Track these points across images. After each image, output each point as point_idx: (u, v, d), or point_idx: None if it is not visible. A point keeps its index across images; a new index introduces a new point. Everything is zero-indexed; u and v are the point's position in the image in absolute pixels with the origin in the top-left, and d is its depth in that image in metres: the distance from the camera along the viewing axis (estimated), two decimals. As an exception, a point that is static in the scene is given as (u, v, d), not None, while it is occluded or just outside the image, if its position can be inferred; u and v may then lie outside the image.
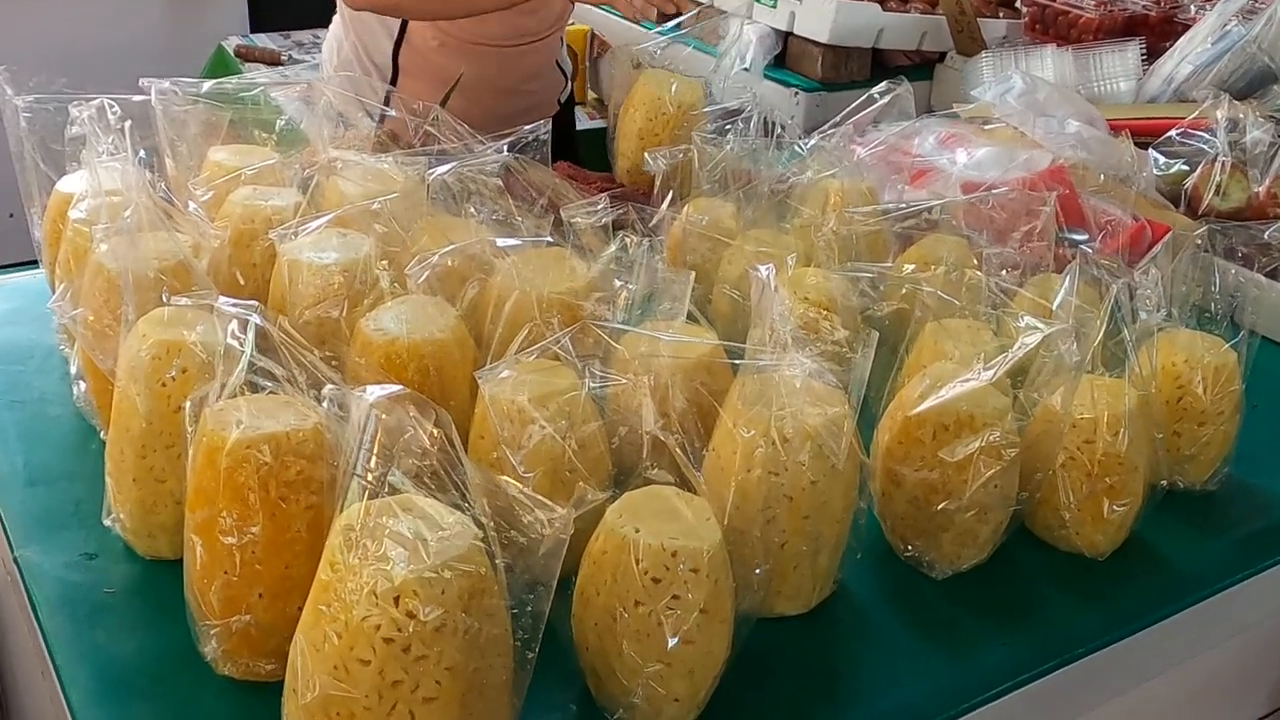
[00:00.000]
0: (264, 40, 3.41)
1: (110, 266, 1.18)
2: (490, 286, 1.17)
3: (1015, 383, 1.18)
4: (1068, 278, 1.16)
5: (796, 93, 2.69)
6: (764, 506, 1.05)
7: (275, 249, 1.31)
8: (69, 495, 1.22)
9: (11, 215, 3.63)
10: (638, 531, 0.95)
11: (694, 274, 1.15)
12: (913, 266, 1.27)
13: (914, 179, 1.79)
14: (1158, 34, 2.71)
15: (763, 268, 1.16)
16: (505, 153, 1.40)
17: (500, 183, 1.30)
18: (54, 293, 1.49)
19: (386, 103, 1.53)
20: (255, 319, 0.97)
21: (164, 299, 1.13)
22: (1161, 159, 1.81)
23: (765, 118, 1.54)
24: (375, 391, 0.87)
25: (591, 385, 1.03)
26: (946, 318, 1.29)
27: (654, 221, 1.53)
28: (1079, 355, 1.10)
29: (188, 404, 1.02)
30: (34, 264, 1.58)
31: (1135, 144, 1.97)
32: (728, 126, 1.55)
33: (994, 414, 1.13)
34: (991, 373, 1.11)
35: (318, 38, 3.50)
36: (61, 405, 1.36)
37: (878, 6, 2.67)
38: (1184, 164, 1.81)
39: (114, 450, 1.12)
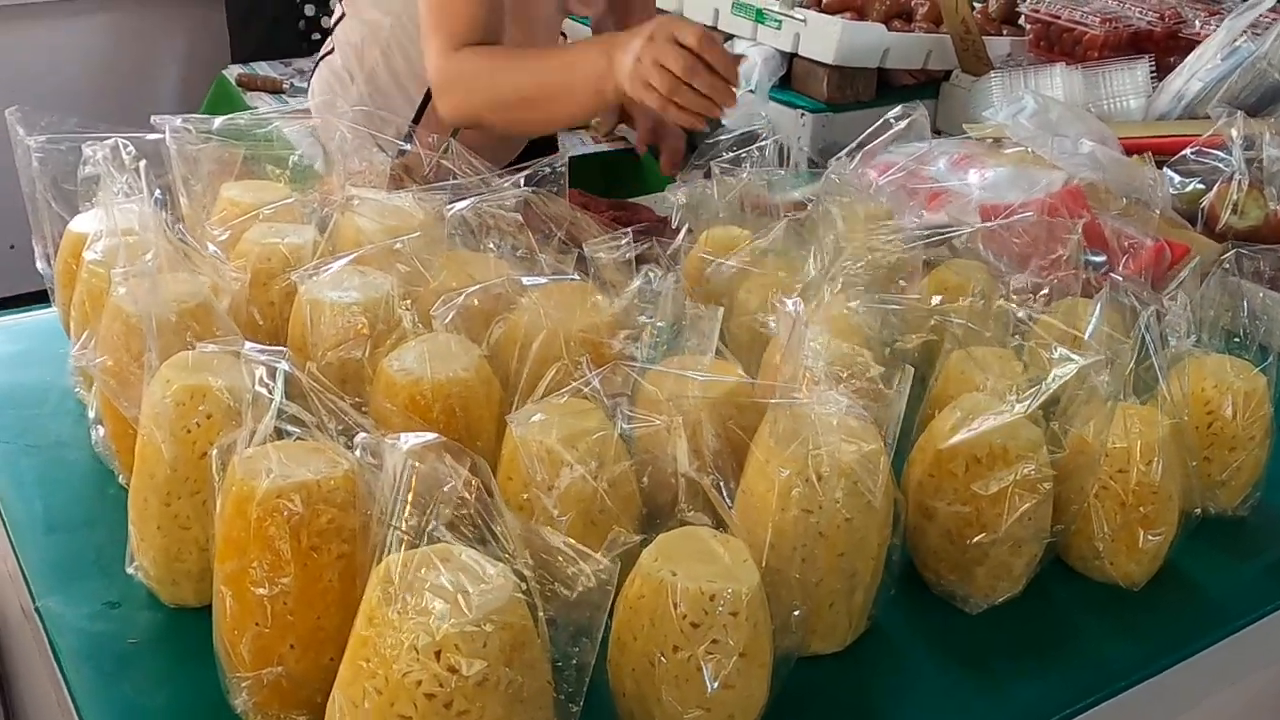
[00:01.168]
0: (265, 69, 3.40)
1: (130, 310, 1.17)
2: (515, 325, 1.16)
3: (1046, 413, 1.16)
4: (1098, 305, 1.15)
5: (803, 114, 2.69)
6: (799, 545, 1.04)
7: (294, 287, 1.30)
8: (89, 542, 1.20)
9: (13, 246, 3.63)
10: (674, 575, 0.94)
11: (722, 310, 1.14)
12: (940, 298, 1.25)
13: (929, 202, 1.78)
14: (1163, 49, 2.72)
15: (789, 300, 1.15)
16: (523, 187, 1.39)
17: (520, 217, 1.29)
18: (67, 333, 1.49)
19: (404, 137, 1.52)
20: (284, 366, 0.95)
21: (189, 343, 1.12)
22: (1177, 178, 1.81)
23: (781, 144, 1.52)
24: (410, 440, 0.86)
25: (624, 427, 1.01)
26: (974, 347, 1.28)
27: (670, 251, 1.53)
28: (1113, 386, 1.09)
29: (214, 451, 1.00)
30: (44, 302, 1.57)
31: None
32: (744, 154, 1.53)
33: (1027, 446, 1.12)
34: (1025, 405, 1.10)
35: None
36: (79, 449, 1.34)
37: (883, 27, 2.67)
38: (1200, 183, 1.80)
39: (137, 497, 1.10)
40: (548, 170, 1.43)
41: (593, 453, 1.06)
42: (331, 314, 1.20)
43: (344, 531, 0.95)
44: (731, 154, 1.64)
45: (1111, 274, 1.17)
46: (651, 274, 1.19)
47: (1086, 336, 1.13)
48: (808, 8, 2.72)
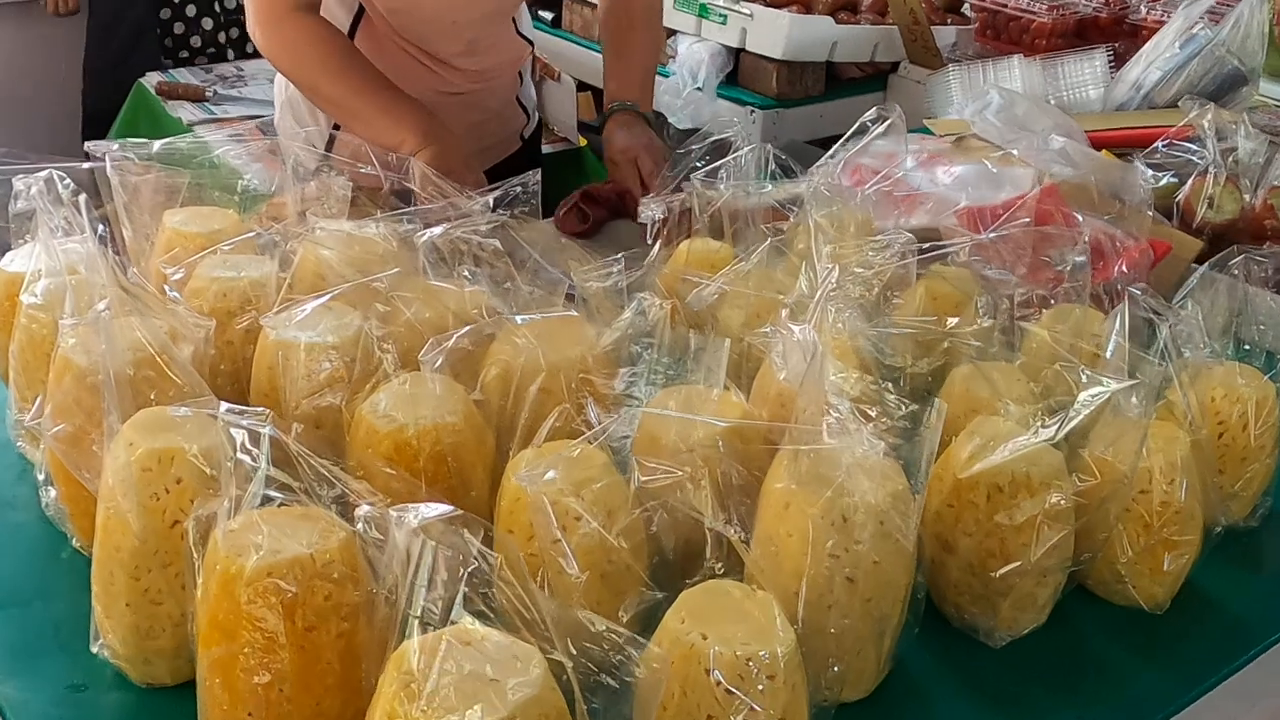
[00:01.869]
0: (185, 75, 3.26)
1: (82, 363, 1.07)
2: (510, 366, 1.08)
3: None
4: (1116, 320, 1.10)
5: (753, 110, 2.63)
6: (827, 593, 0.97)
7: (255, 326, 1.21)
8: (46, 617, 1.11)
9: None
10: (705, 639, 0.87)
11: (729, 341, 1.07)
12: (955, 320, 1.20)
13: (902, 203, 1.73)
14: (1108, 35, 2.71)
15: (798, 328, 1.09)
16: (494, 209, 1.31)
17: (498, 244, 1.21)
18: (1, 380, 1.38)
19: (356, 157, 1.42)
20: (268, 430, 0.87)
21: (150, 399, 1.03)
22: (1149, 172, 1.77)
23: (766, 152, 1.46)
24: (421, 513, 0.78)
25: (642, 479, 0.94)
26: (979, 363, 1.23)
27: (647, 262, 1.45)
28: (1141, 409, 1.04)
29: (190, 523, 0.91)
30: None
31: (1117, 155, 1.93)
32: (720, 165, 1.46)
33: (1051, 472, 1.07)
34: (1052, 431, 1.04)
35: (241, 70, 3.37)
36: (24, 510, 1.24)
37: (830, 20, 2.62)
38: (1173, 176, 1.77)
39: (101, 571, 1.01)
40: (519, 190, 1.34)
41: (601, 503, 0.99)
42: (305, 358, 1.11)
43: (343, 608, 0.87)
44: (704, 162, 1.57)
45: (1130, 289, 1.12)
46: (646, 304, 1.12)
47: (1108, 354, 1.08)
48: (753, 1, 2.66)
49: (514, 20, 2.03)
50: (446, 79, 1.93)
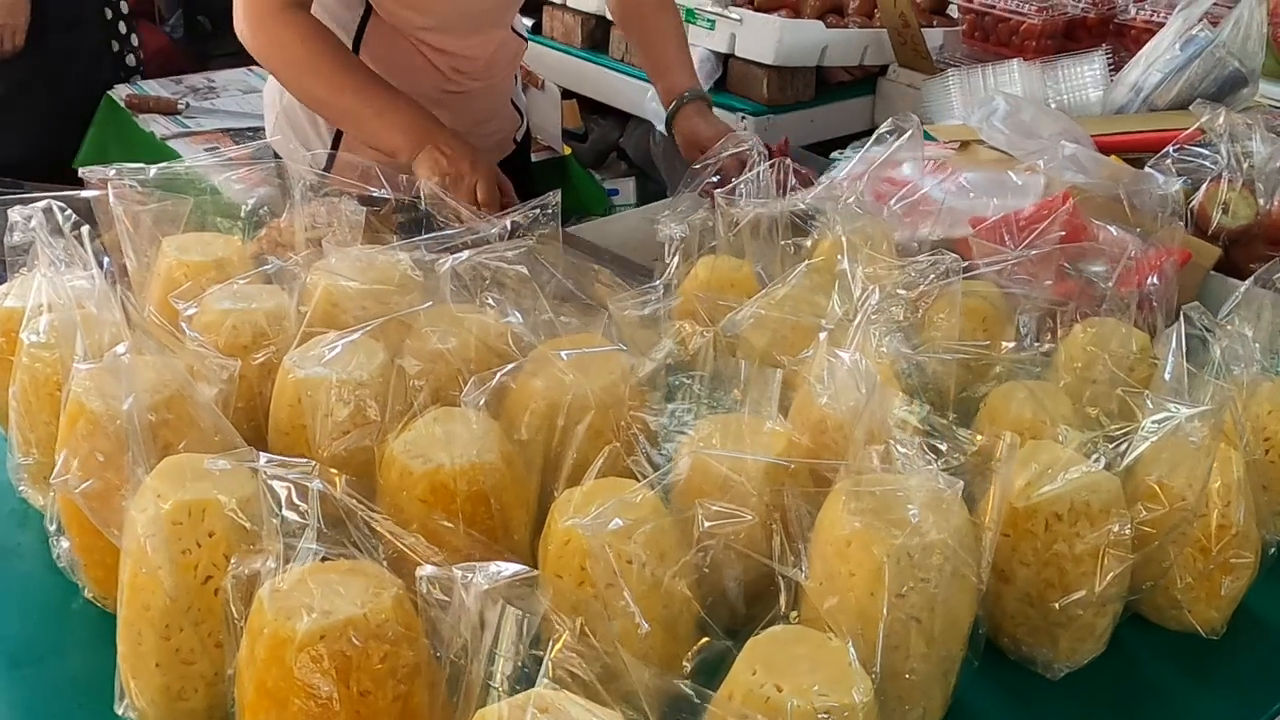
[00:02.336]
0: (155, 88, 3.17)
1: (97, 408, 1.01)
2: (555, 404, 1.03)
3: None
4: (1173, 341, 1.07)
5: (744, 117, 2.59)
6: (893, 633, 0.93)
7: (273, 361, 1.16)
8: (63, 675, 1.05)
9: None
10: (780, 691, 0.83)
11: (781, 373, 1.03)
12: (1011, 344, 1.16)
13: (911, 214, 1.70)
14: (1096, 36, 2.69)
15: (846, 354, 1.05)
16: (513, 232, 1.26)
17: (525, 270, 1.16)
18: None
19: (365, 179, 1.37)
20: (317, 484, 0.82)
21: (179, 447, 0.98)
22: (1160, 178, 1.75)
23: (786, 167, 1.42)
24: (490, 572, 0.74)
25: (707, 523, 0.90)
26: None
27: (664, 279, 1.41)
28: (1206, 434, 1.01)
29: (229, 581, 0.86)
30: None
31: (1124, 159, 1.91)
32: (739, 182, 1.42)
33: (1111, 500, 1.04)
34: (1112, 458, 1.01)
35: (212, 82, 3.29)
36: (30, 558, 1.18)
37: (820, 24, 2.58)
38: (1186, 181, 1.75)
39: (129, 632, 0.95)
40: (538, 213, 1.30)
41: (653, 545, 0.95)
42: (332, 397, 1.06)
43: (399, 670, 0.82)
44: (717, 178, 1.53)
45: (1185, 311, 1.09)
46: (685, 331, 1.08)
47: (1166, 376, 1.05)
48: (740, 4, 2.62)
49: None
50: (452, 77, 1.89)
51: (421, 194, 1.38)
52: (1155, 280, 1.38)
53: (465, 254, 1.17)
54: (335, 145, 1.95)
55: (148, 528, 0.92)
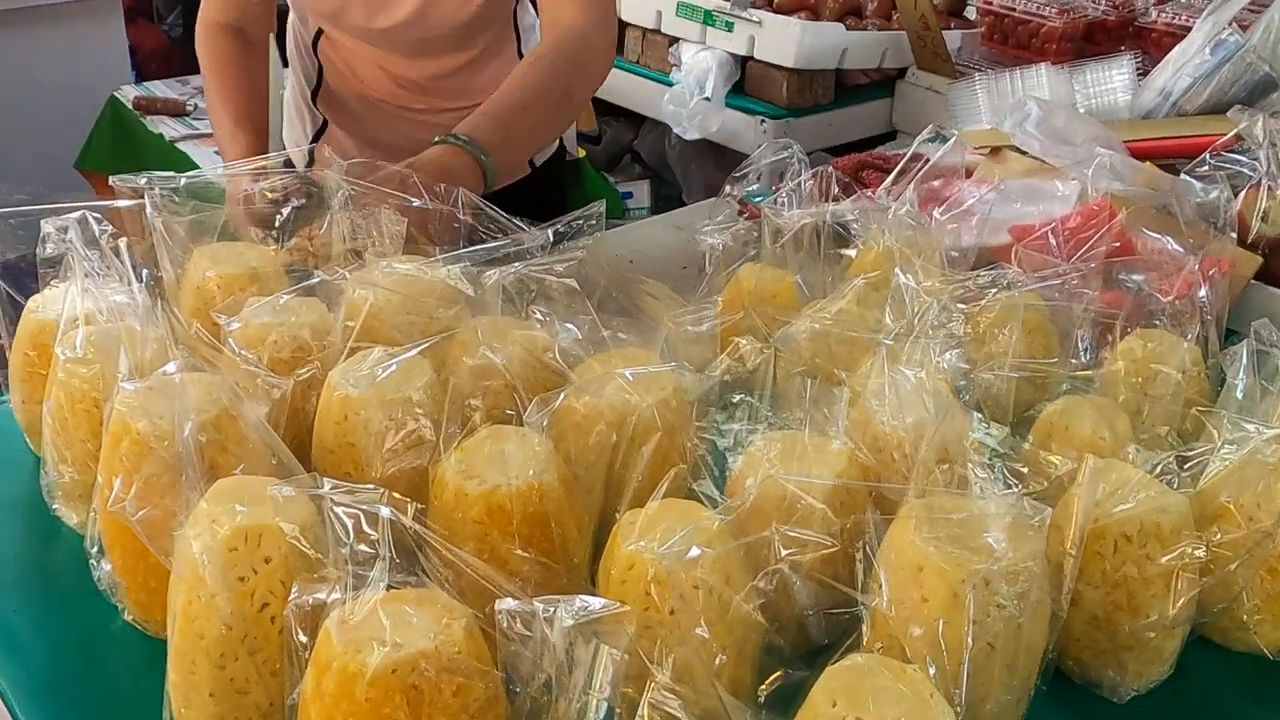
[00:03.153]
0: (163, 89, 3.14)
1: (144, 429, 0.98)
2: (619, 423, 1.00)
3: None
4: (1242, 358, 1.05)
5: (763, 120, 2.57)
6: (970, 661, 0.91)
7: (314, 376, 1.13)
8: (107, 703, 1.02)
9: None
10: (863, 723, 0.81)
11: (848, 392, 1.00)
12: (1076, 362, 1.14)
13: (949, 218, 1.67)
14: (1116, 39, 2.68)
15: (911, 372, 1.03)
16: (555, 243, 1.24)
17: (575, 284, 1.14)
18: (27, 435, 1.29)
19: (402, 187, 1.34)
20: (386, 513, 0.79)
21: (235, 471, 0.95)
22: (1198, 185, 1.72)
23: (824, 174, 1.39)
24: (576, 608, 0.71)
25: (784, 550, 0.87)
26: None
27: (701, 291, 1.39)
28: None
29: (290, 610, 0.84)
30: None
31: (1159, 166, 1.89)
32: (781, 192, 1.40)
33: (1182, 521, 1.01)
34: (1186, 478, 0.99)
35: (220, 81, 3.25)
36: (65, 578, 1.15)
37: (841, 26, 2.56)
38: (1223, 188, 1.72)
39: (181, 660, 0.92)
40: (582, 223, 1.27)
41: (719, 570, 0.92)
42: (384, 416, 1.03)
43: (472, 705, 0.80)
44: (757, 185, 1.50)
45: (1254, 325, 1.06)
46: (744, 347, 1.05)
47: (1238, 395, 1.03)
48: (759, 6, 2.59)
49: (518, 42, 1.93)
50: (413, 97, 1.88)
51: (461, 204, 1.35)
52: (1206, 291, 1.36)
53: (515, 266, 1.14)
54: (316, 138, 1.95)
55: (205, 554, 0.89)
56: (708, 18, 2.58)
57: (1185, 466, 0.98)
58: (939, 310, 1.11)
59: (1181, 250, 1.53)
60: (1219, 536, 1.01)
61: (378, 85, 1.87)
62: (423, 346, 1.03)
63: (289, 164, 1.94)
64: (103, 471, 1.04)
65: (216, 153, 2.80)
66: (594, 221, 1.28)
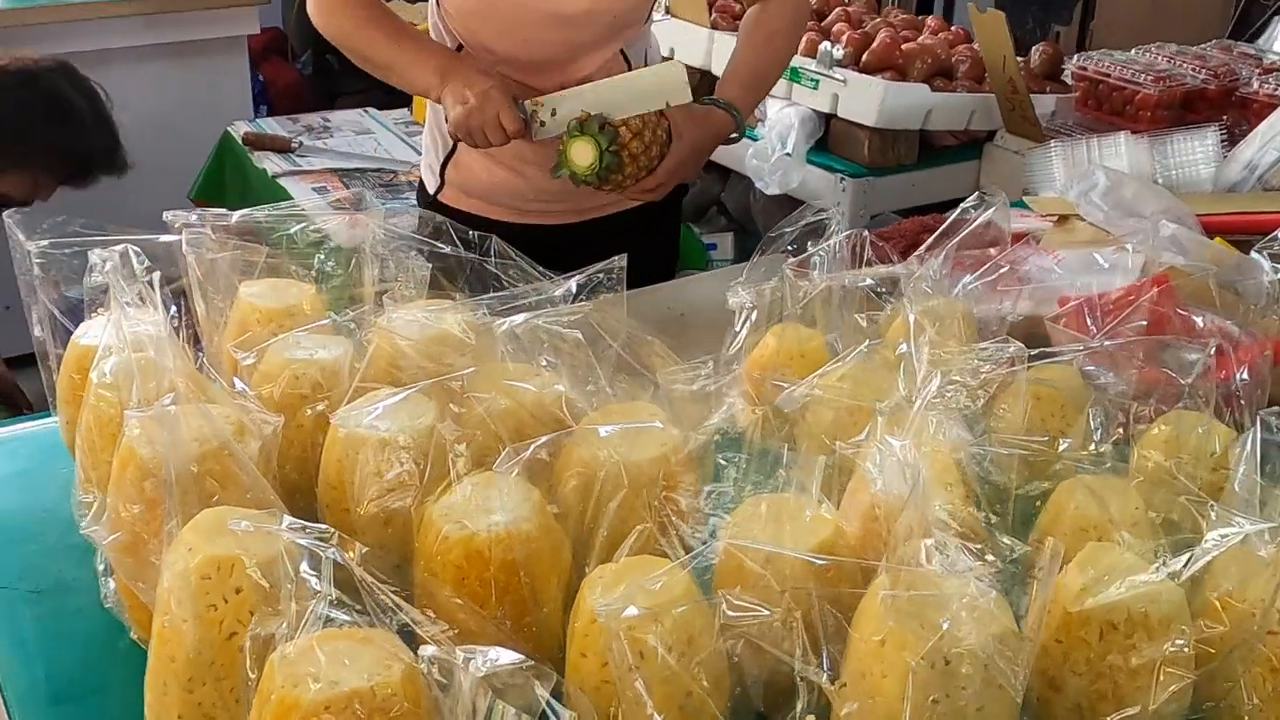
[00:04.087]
0: (273, 125, 3.27)
1: (145, 455, 1.03)
2: (590, 479, 1.01)
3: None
4: (1246, 446, 1.01)
5: (843, 178, 2.56)
6: (926, 741, 0.89)
7: (326, 412, 1.17)
8: (102, 715, 1.06)
9: (8, 308, 3.52)
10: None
11: (824, 459, 1.00)
12: (1068, 442, 1.11)
13: (998, 285, 1.64)
14: (1217, 108, 2.61)
15: (897, 443, 1.02)
16: (576, 297, 1.26)
17: (580, 336, 1.15)
18: (70, 451, 1.35)
19: (437, 235, 1.38)
20: (331, 554, 0.81)
21: (210, 496, 0.99)
22: (1267, 264, 1.67)
23: (858, 239, 1.39)
24: (489, 659, 0.72)
25: (730, 614, 0.87)
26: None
27: (732, 351, 1.39)
28: (1275, 548, 0.95)
29: (248, 641, 0.86)
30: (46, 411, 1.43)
31: (1231, 242, 1.83)
32: (814, 254, 1.40)
33: (1172, 612, 0.98)
34: (1174, 569, 0.96)
35: (327, 121, 3.38)
36: (84, 594, 1.20)
37: (925, 87, 2.55)
38: (1293, 268, 1.66)
39: (154, 681, 0.96)
40: (603, 277, 1.29)
41: (681, 630, 0.92)
42: (374, 456, 1.06)
43: (402, 747, 0.81)
44: (794, 246, 1.50)
45: (1261, 415, 1.03)
46: (734, 408, 1.05)
47: (1235, 486, 0.99)
48: (846, 66, 2.59)
49: (627, 65, 1.98)
50: None
51: (494, 250, 1.38)
52: (1246, 375, 1.32)
53: (521, 317, 1.16)
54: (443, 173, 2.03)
55: (177, 580, 0.93)
56: (794, 74, 2.60)
57: (1176, 555, 0.95)
58: (941, 381, 1.10)
59: (1230, 331, 1.49)
60: (1205, 631, 0.97)
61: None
62: (411, 390, 1.06)
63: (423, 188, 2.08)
64: (112, 493, 1.08)
65: (313, 189, 2.93)
66: (614, 275, 1.29)
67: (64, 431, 1.36)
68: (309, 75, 5.13)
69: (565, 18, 1.83)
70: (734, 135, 1.93)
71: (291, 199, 2.74)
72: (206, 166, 3.23)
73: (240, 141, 3.14)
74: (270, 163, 3.03)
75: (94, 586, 1.19)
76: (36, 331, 1.35)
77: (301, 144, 3.14)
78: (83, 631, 1.16)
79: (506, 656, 0.72)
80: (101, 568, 1.14)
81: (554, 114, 1.77)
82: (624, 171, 1.72)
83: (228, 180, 3.15)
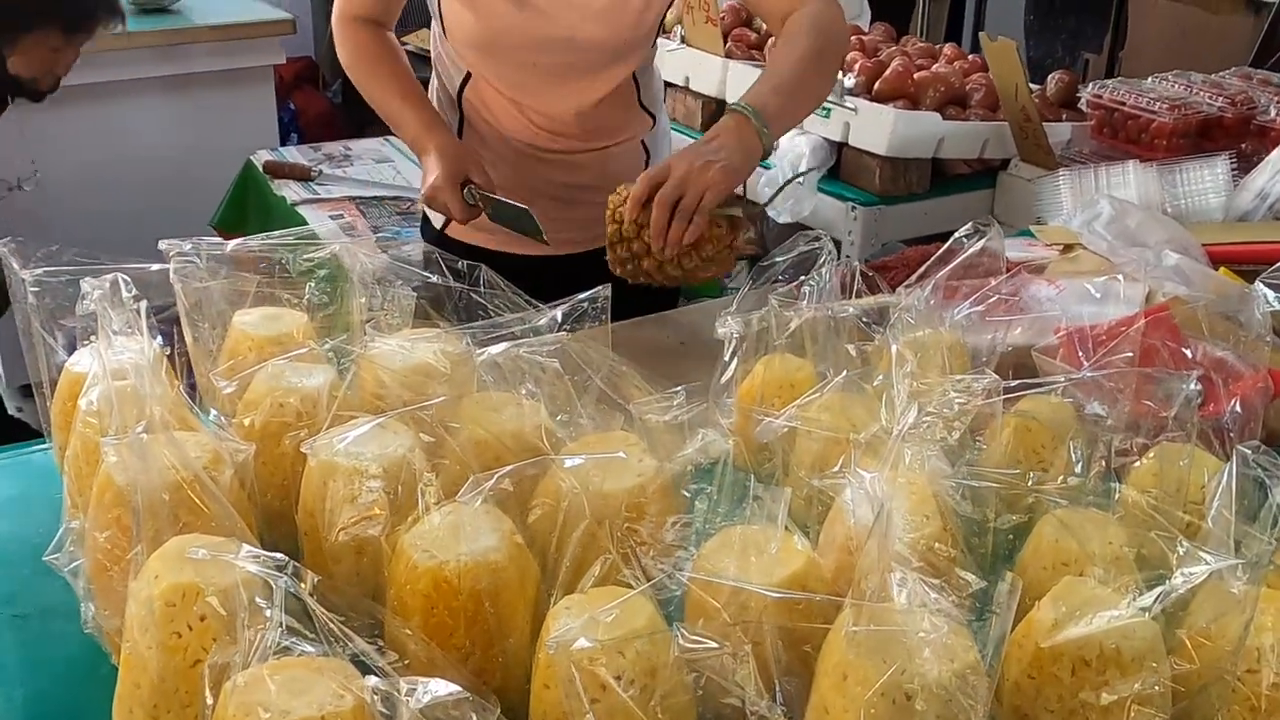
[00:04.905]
0: (294, 154, 3.31)
1: (121, 482, 1.04)
2: (553, 509, 1.02)
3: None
4: (1221, 481, 1.00)
5: (854, 207, 2.56)
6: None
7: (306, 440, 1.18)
8: (75, 740, 1.07)
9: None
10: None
11: (789, 491, 0.99)
12: (1037, 476, 1.10)
13: (996, 310, 1.63)
14: (1234, 136, 2.58)
15: (868, 475, 1.01)
16: (561, 327, 1.26)
17: (558, 365, 1.16)
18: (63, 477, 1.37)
19: (427, 266, 1.39)
20: (284, 582, 0.82)
21: (179, 526, 0.99)
22: (1271, 294, 1.65)
23: (853, 270, 1.39)
24: (427, 691, 0.72)
25: (684, 645, 0.87)
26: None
27: (721, 381, 1.39)
28: (1247, 586, 0.94)
29: (207, 669, 0.87)
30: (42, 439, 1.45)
31: (1238, 272, 1.82)
32: (804, 283, 1.40)
33: (1145, 649, 0.96)
34: (1146, 603, 0.94)
35: (348, 150, 3.41)
36: (68, 619, 1.21)
37: (937, 116, 2.54)
38: (1296, 299, 1.64)
39: (121, 707, 0.97)
40: (587, 306, 1.29)
41: (644, 660, 0.92)
42: (345, 485, 1.06)
43: (350, 777, 0.81)
44: (786, 276, 1.50)
45: (1239, 448, 1.01)
46: (707, 438, 1.05)
47: (1209, 523, 0.98)
48: (858, 94, 2.59)
49: (638, 90, 2.01)
50: (546, 136, 1.99)
51: (483, 280, 1.38)
52: (1238, 407, 1.30)
53: (500, 346, 1.17)
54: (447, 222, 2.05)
55: (142, 606, 0.93)
56: (806, 103, 2.59)
57: (1150, 591, 0.94)
58: (918, 413, 1.09)
59: (1223, 364, 1.47)
60: (1176, 669, 0.96)
61: (517, 128, 2.00)
62: (382, 419, 1.06)
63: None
64: (89, 519, 1.10)
65: (330, 216, 2.96)
66: (599, 305, 1.30)
67: (57, 457, 1.37)
68: (339, 104, 5.20)
69: (572, 44, 1.85)
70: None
71: (309, 226, 2.77)
72: (228, 195, 3.27)
73: (261, 170, 3.18)
74: (290, 191, 3.07)
75: (78, 612, 1.20)
76: (32, 359, 1.37)
77: (321, 172, 3.17)
78: (65, 657, 1.17)
79: (446, 688, 0.72)
80: (81, 593, 1.15)
81: (494, 208, 1.85)
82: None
83: (249, 208, 3.19)
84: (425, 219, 2.17)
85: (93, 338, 1.33)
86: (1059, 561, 1.11)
